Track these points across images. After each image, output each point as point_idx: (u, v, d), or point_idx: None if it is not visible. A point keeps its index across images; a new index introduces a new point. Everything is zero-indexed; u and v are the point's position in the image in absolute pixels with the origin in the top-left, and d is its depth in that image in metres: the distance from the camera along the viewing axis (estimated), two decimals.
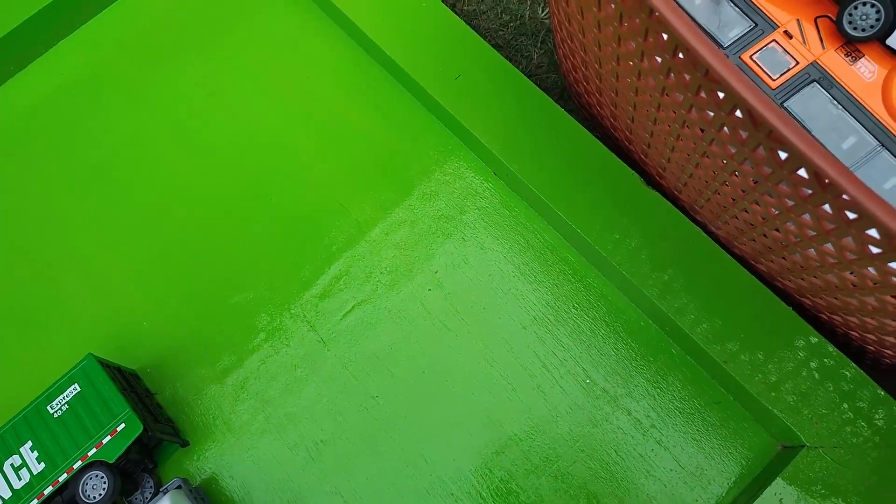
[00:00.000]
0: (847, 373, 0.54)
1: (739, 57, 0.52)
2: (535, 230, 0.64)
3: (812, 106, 0.50)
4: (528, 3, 0.76)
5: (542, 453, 0.57)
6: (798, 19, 0.52)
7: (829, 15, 0.51)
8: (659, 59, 0.43)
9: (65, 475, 0.53)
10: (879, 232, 0.36)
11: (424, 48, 0.67)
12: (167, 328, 0.64)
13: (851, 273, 0.44)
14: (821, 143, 0.48)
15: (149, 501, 0.55)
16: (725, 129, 0.42)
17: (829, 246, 0.43)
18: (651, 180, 0.62)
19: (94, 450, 0.53)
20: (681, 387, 0.58)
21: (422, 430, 0.59)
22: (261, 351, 0.62)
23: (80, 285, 0.66)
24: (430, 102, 0.68)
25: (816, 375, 0.54)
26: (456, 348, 0.61)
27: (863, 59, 0.50)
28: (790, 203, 0.42)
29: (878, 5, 0.48)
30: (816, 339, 0.55)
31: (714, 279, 0.57)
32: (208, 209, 0.68)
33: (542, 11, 0.75)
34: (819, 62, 0.50)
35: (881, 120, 0.48)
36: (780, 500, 0.51)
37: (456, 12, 0.73)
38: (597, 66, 0.55)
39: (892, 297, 0.42)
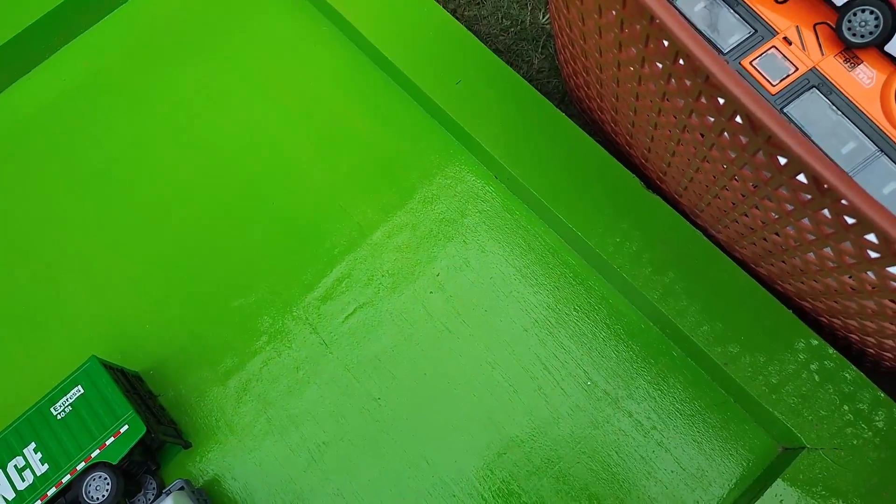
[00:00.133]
0: (847, 375, 0.54)
1: (739, 63, 0.53)
2: (536, 233, 0.64)
3: (811, 111, 0.51)
4: (529, 8, 0.76)
5: (544, 455, 0.57)
6: (797, 26, 0.52)
7: (828, 22, 0.52)
8: (659, 65, 0.44)
9: (68, 476, 0.53)
10: (878, 237, 0.36)
11: (425, 52, 0.68)
12: (169, 330, 0.64)
13: (850, 277, 0.44)
14: (820, 149, 0.49)
15: (152, 502, 0.55)
16: (725, 134, 0.43)
17: (828, 250, 0.43)
18: (652, 184, 0.62)
19: (97, 451, 0.53)
20: (682, 389, 0.58)
21: (423, 431, 0.59)
22: (263, 353, 0.63)
23: (81, 288, 0.66)
24: (431, 106, 0.68)
25: (817, 378, 0.54)
26: (457, 350, 0.61)
27: (861, 66, 0.50)
28: (789, 208, 0.43)
29: (878, 12, 0.49)
30: (817, 342, 0.55)
31: (715, 282, 0.58)
32: (209, 212, 0.68)
33: (543, 17, 0.76)
34: (818, 68, 0.51)
35: (880, 126, 0.48)
36: (781, 501, 0.51)
37: (457, 17, 0.73)
38: (597, 71, 0.55)
39: (890, 300, 0.43)
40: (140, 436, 0.53)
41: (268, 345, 0.63)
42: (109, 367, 0.57)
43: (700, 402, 0.58)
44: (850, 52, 0.51)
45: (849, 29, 0.50)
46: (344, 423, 0.60)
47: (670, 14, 0.37)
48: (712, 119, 0.43)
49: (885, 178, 0.47)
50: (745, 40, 0.53)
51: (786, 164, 0.39)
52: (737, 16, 0.54)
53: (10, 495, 0.52)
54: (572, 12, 0.52)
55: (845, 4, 0.50)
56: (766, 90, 0.51)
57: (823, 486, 0.52)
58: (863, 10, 0.49)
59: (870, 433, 0.52)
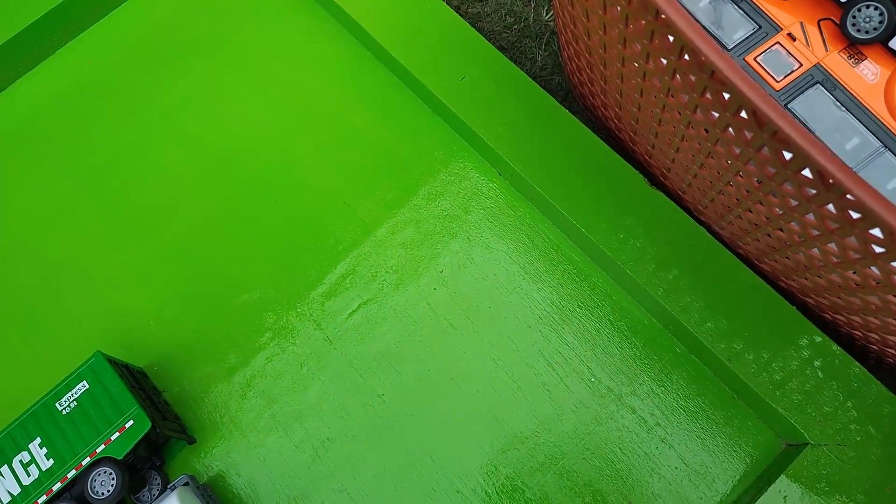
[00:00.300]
0: (851, 372, 0.54)
1: (744, 59, 0.53)
2: (539, 230, 0.64)
3: (816, 107, 0.51)
4: (533, 5, 0.76)
5: (548, 451, 0.58)
6: (801, 22, 0.52)
7: (833, 18, 0.52)
8: (664, 61, 0.44)
9: (73, 472, 0.53)
10: (883, 231, 0.37)
11: (429, 50, 0.68)
12: (174, 327, 0.64)
13: (854, 272, 0.44)
14: (823, 143, 0.49)
15: (156, 498, 0.55)
16: (730, 129, 0.43)
17: (832, 245, 0.43)
18: (655, 181, 0.62)
19: (102, 446, 0.54)
20: (685, 385, 0.59)
21: (427, 427, 0.59)
22: (267, 349, 0.63)
23: (86, 285, 0.66)
24: (435, 103, 0.68)
25: (820, 374, 0.54)
26: (461, 347, 0.61)
27: (866, 62, 0.50)
28: (794, 203, 0.43)
29: (882, 7, 0.49)
30: (820, 339, 0.55)
31: (718, 278, 0.58)
32: (213, 209, 0.68)
33: (547, 14, 0.76)
34: (822, 64, 0.51)
35: (884, 121, 0.48)
36: (785, 497, 0.51)
37: (460, 14, 0.73)
38: (602, 67, 0.56)
39: (894, 296, 0.43)
40: (145, 431, 0.54)
41: (272, 341, 0.63)
42: (114, 363, 0.57)
43: (704, 398, 0.58)
44: (855, 48, 0.51)
45: (853, 25, 0.50)
46: (348, 419, 0.60)
47: (676, 9, 0.37)
48: (717, 114, 0.43)
49: (889, 173, 0.47)
50: (749, 36, 0.53)
51: (791, 159, 0.39)
52: (741, 12, 0.54)
53: (16, 490, 0.53)
54: (577, 8, 0.52)
55: (849, 1, 0.50)
56: (771, 86, 0.51)
57: (827, 483, 0.52)
58: (867, 6, 0.49)
59: (873, 429, 0.52)
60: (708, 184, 0.52)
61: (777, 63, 0.52)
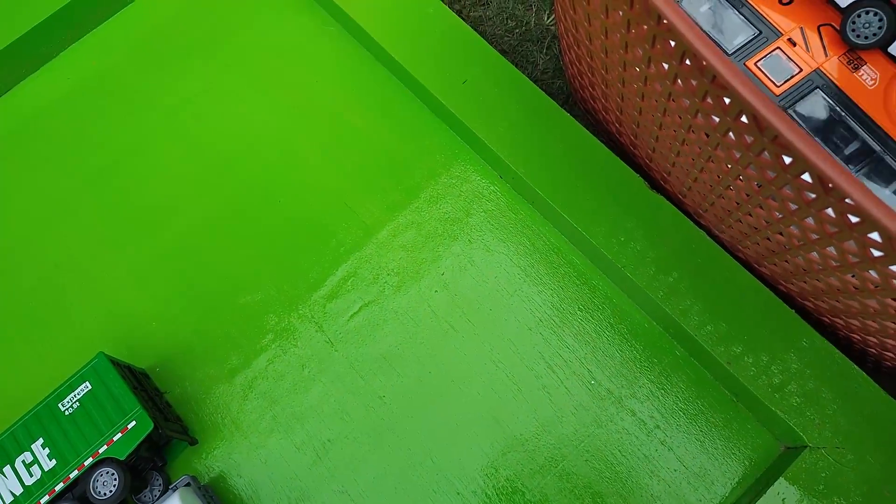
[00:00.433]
0: (849, 375, 0.54)
1: (744, 64, 0.53)
2: (540, 233, 0.65)
3: (815, 112, 0.51)
4: (534, 9, 0.77)
5: (548, 453, 0.58)
6: (801, 27, 0.53)
7: (832, 23, 0.52)
8: (666, 66, 0.44)
9: (76, 472, 0.53)
10: (881, 235, 0.37)
11: (432, 53, 0.68)
12: (176, 328, 0.64)
13: (853, 276, 0.44)
14: (825, 149, 0.49)
15: (158, 499, 0.55)
16: (731, 134, 0.43)
17: (831, 249, 0.44)
18: (656, 185, 0.62)
19: (104, 447, 0.54)
20: (685, 388, 0.59)
21: (428, 429, 0.59)
22: (269, 351, 0.63)
23: (89, 286, 0.67)
24: (436, 106, 0.69)
25: (819, 377, 0.54)
26: (462, 349, 0.62)
27: (865, 67, 0.51)
28: (793, 207, 0.43)
29: (881, 13, 0.49)
30: (819, 342, 0.55)
31: (718, 282, 0.58)
32: (216, 210, 0.69)
33: (548, 18, 0.76)
34: (822, 69, 0.51)
35: (883, 126, 0.49)
36: (783, 499, 0.52)
37: (462, 18, 0.74)
38: (603, 72, 0.56)
39: (893, 299, 0.43)
40: (147, 432, 0.54)
41: (274, 343, 0.63)
42: (117, 364, 0.57)
43: (703, 401, 0.59)
44: (854, 53, 0.51)
45: (853, 30, 0.50)
46: (349, 420, 0.60)
47: (678, 14, 0.38)
48: (718, 119, 0.43)
49: (887, 178, 0.47)
50: (749, 41, 0.54)
51: (791, 164, 0.39)
52: (742, 17, 0.54)
53: (19, 490, 0.53)
54: (579, 13, 0.52)
55: (849, 6, 0.50)
56: (771, 91, 0.52)
57: (825, 485, 0.52)
58: (867, 12, 0.50)
59: (871, 432, 0.53)
60: (708, 188, 0.53)
61: (777, 68, 0.52)
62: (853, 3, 0.50)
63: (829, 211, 0.40)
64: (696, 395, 0.59)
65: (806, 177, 0.39)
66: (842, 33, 0.51)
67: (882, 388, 0.54)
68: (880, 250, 0.39)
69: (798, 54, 0.52)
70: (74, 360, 0.59)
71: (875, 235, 0.38)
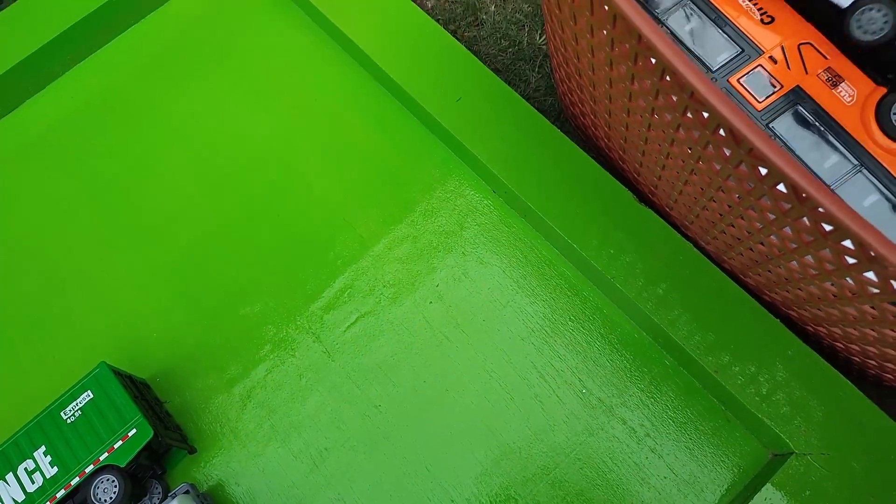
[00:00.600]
0: (834, 383, 0.55)
1: (727, 80, 0.55)
2: (532, 245, 0.66)
3: (795, 127, 0.53)
4: (526, 29, 0.79)
5: (540, 461, 0.59)
6: (782, 45, 0.55)
7: (812, 42, 0.54)
8: (648, 82, 0.46)
9: (77, 479, 0.54)
10: (853, 242, 0.38)
11: (427, 72, 0.70)
12: (176, 339, 0.66)
13: (831, 284, 0.46)
14: (804, 163, 0.51)
15: None
16: (710, 147, 0.45)
17: (809, 258, 0.45)
18: (644, 198, 0.64)
19: (105, 454, 0.55)
20: (674, 397, 0.60)
21: (423, 438, 0.60)
22: (267, 361, 0.64)
23: (92, 297, 0.68)
24: (432, 123, 0.71)
25: (805, 386, 0.56)
26: (456, 359, 0.63)
27: (843, 84, 0.52)
28: (772, 217, 0.45)
29: (886, 9, 0.50)
30: (805, 351, 0.56)
31: (705, 293, 0.59)
32: (216, 223, 0.70)
33: (540, 38, 0.79)
34: (802, 86, 0.53)
35: (860, 141, 0.51)
36: None
37: (457, 38, 0.76)
38: (591, 88, 0.58)
39: (870, 306, 0.44)
40: (148, 439, 0.55)
41: (272, 353, 0.65)
42: (118, 373, 0.59)
43: (692, 409, 0.60)
44: (832, 70, 0.53)
45: (859, 27, 0.51)
46: (345, 429, 0.61)
47: (656, 33, 0.40)
48: (698, 133, 0.45)
49: (865, 190, 0.49)
50: (732, 59, 0.56)
51: (766, 175, 0.41)
52: (725, 35, 0.57)
53: (21, 497, 0.54)
54: (567, 32, 0.54)
55: (852, 4, 0.52)
56: (753, 107, 0.54)
57: (812, 491, 0.53)
58: (870, 9, 0.51)
59: (856, 439, 0.54)
60: (693, 200, 0.54)
61: (759, 84, 0.54)
62: (855, 1, 0.51)
63: (805, 220, 0.41)
64: (685, 403, 0.60)
65: (781, 187, 0.41)
66: (847, 29, 0.51)
67: (866, 396, 0.55)
68: (854, 257, 0.40)
69: (779, 71, 0.54)
70: (77, 370, 0.61)
71: (848, 243, 0.39)
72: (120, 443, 0.55)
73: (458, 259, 0.67)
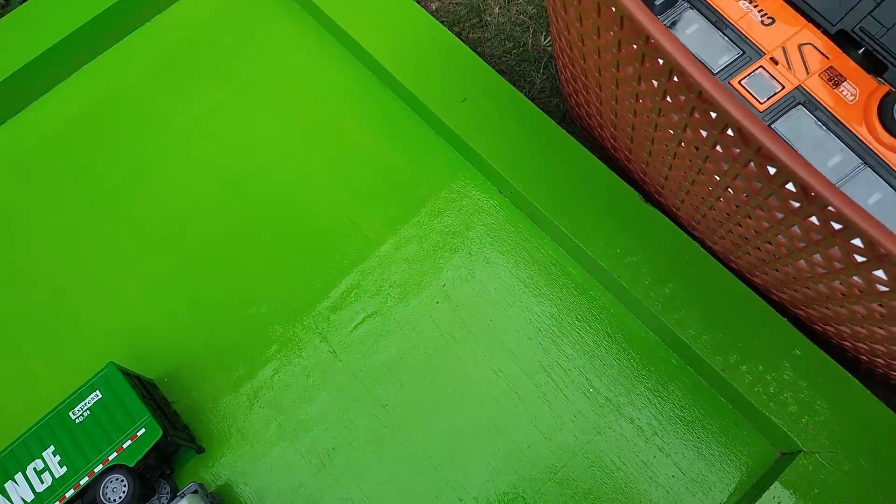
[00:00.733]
0: (842, 382, 0.56)
1: (729, 82, 0.55)
2: (538, 245, 0.67)
3: (798, 127, 0.53)
4: (531, 31, 0.79)
5: (548, 460, 0.59)
6: (784, 46, 0.55)
7: (813, 42, 0.55)
8: (655, 83, 0.46)
9: (86, 479, 0.54)
10: (863, 240, 0.39)
11: (432, 73, 0.71)
12: (183, 340, 0.66)
13: (840, 282, 0.46)
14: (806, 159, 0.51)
15: None
16: (718, 147, 0.45)
17: (817, 256, 0.45)
18: (650, 198, 0.64)
19: (114, 454, 0.55)
20: (682, 396, 0.60)
21: (431, 437, 0.61)
22: (274, 361, 0.65)
23: (99, 299, 0.68)
24: (437, 124, 0.71)
25: (813, 385, 0.56)
26: (463, 358, 0.63)
27: (845, 83, 0.53)
28: (780, 216, 0.45)
29: None
30: (812, 350, 0.57)
31: (712, 292, 0.60)
32: (223, 226, 0.71)
33: (544, 39, 0.79)
34: (804, 86, 0.54)
35: (863, 139, 0.51)
36: (779, 503, 0.53)
37: (462, 39, 0.76)
38: (597, 89, 0.58)
39: (878, 304, 0.45)
40: (156, 439, 0.55)
41: (279, 353, 0.65)
42: (126, 373, 0.59)
43: (700, 408, 0.60)
44: (834, 70, 0.53)
45: None
46: (353, 429, 0.61)
47: (664, 34, 0.40)
48: (705, 133, 0.45)
49: (870, 188, 0.50)
50: (734, 61, 0.56)
51: (775, 174, 0.41)
52: (726, 38, 0.57)
53: (30, 497, 0.54)
54: (573, 34, 0.55)
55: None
56: (755, 108, 0.54)
57: (820, 489, 0.53)
58: None
59: (864, 438, 0.54)
60: (700, 199, 0.55)
61: (761, 86, 0.55)
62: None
63: (813, 219, 0.42)
64: (692, 402, 0.60)
65: (790, 186, 0.41)
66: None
67: (874, 395, 0.55)
68: (863, 255, 0.40)
69: (780, 72, 0.55)
70: (84, 371, 0.61)
71: (857, 241, 0.40)
72: (129, 442, 0.55)
73: (464, 259, 0.67)
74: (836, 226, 0.40)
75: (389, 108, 0.74)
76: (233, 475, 0.61)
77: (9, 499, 0.54)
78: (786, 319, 0.58)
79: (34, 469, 0.55)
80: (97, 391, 0.57)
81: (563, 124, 0.72)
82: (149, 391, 0.60)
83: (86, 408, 0.57)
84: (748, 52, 0.55)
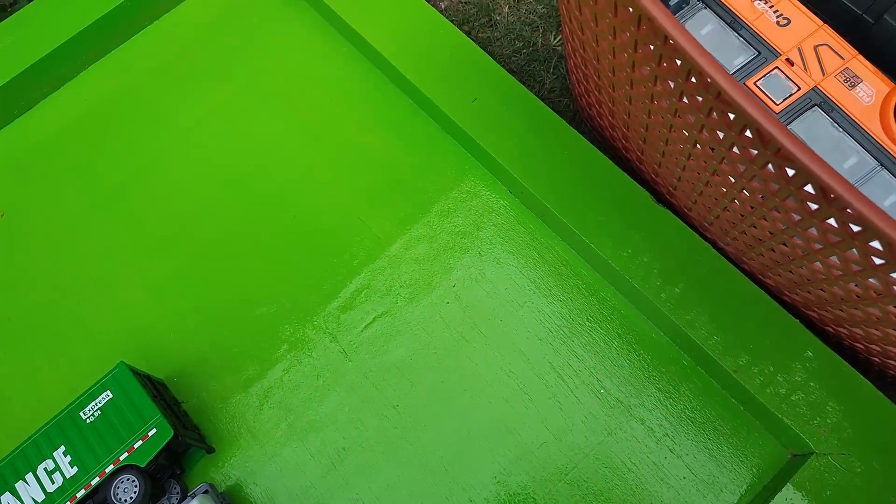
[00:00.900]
0: (854, 384, 0.56)
1: (744, 83, 0.55)
2: (549, 246, 0.67)
3: (814, 129, 0.53)
4: (541, 30, 0.79)
5: (559, 461, 0.59)
6: (799, 47, 0.55)
7: (829, 43, 0.55)
8: (672, 83, 0.46)
9: (97, 479, 0.54)
10: (882, 243, 0.39)
11: (442, 73, 0.71)
12: (193, 340, 0.66)
13: (856, 285, 0.46)
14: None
15: None
16: (735, 148, 0.45)
17: (834, 259, 0.45)
18: (662, 198, 0.64)
19: (125, 454, 0.55)
20: (693, 397, 0.60)
21: (441, 438, 0.60)
22: (284, 361, 0.64)
23: (106, 299, 0.68)
24: (447, 124, 0.71)
25: (824, 386, 0.56)
26: (474, 359, 0.63)
27: (861, 84, 0.53)
28: (797, 218, 0.45)
29: None
30: (824, 351, 0.57)
31: (724, 293, 0.59)
32: (231, 225, 0.70)
33: (554, 39, 0.79)
34: (820, 87, 0.54)
35: (880, 141, 0.51)
36: None
37: (471, 38, 0.76)
38: (610, 90, 0.58)
39: (894, 306, 0.45)
40: (168, 439, 0.55)
41: (289, 353, 0.65)
42: (137, 373, 0.59)
43: (711, 410, 0.60)
44: (850, 71, 0.53)
45: None
46: (363, 429, 0.61)
47: (683, 34, 0.40)
48: (722, 134, 0.45)
49: (886, 191, 0.49)
50: (749, 62, 0.56)
51: (794, 176, 0.41)
52: (741, 39, 0.57)
53: (41, 497, 0.54)
54: (587, 34, 0.54)
55: None
56: (770, 109, 0.54)
57: (832, 491, 0.53)
58: None
59: (877, 440, 0.54)
60: (713, 201, 0.54)
61: (776, 87, 0.55)
62: None
63: (832, 221, 0.42)
64: (703, 403, 0.60)
65: (808, 188, 0.41)
66: None
67: (886, 397, 0.55)
68: (881, 258, 0.40)
69: (796, 73, 0.55)
70: (93, 372, 0.60)
71: (876, 244, 0.40)
72: (140, 442, 0.55)
73: (474, 259, 0.67)
74: (856, 228, 0.40)
75: (398, 108, 0.74)
76: (243, 475, 0.60)
77: (19, 499, 0.54)
78: (798, 321, 0.58)
79: (45, 469, 0.55)
80: (108, 391, 0.57)
81: (573, 124, 0.72)
82: (159, 391, 0.60)
83: (97, 408, 0.57)
84: (763, 52, 0.55)
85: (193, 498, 0.55)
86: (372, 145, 0.73)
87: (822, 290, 0.51)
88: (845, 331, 0.55)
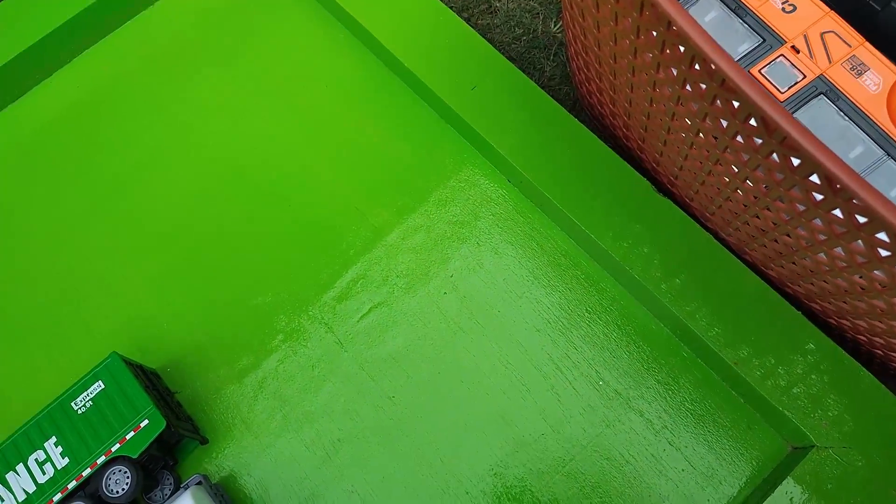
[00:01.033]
0: (856, 376, 0.55)
1: (749, 71, 0.54)
2: (548, 236, 0.66)
3: (819, 117, 0.52)
4: (541, 17, 0.78)
5: (556, 453, 0.58)
6: (805, 34, 0.54)
7: (835, 30, 0.54)
8: (675, 70, 0.45)
9: (88, 470, 0.54)
10: (888, 234, 0.38)
11: (441, 60, 0.69)
12: (187, 329, 0.65)
13: (860, 276, 0.45)
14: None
15: (169, 497, 0.56)
16: (739, 137, 0.44)
17: (838, 250, 0.44)
18: (663, 188, 0.63)
19: (117, 445, 0.54)
20: (692, 389, 0.59)
21: (437, 429, 0.60)
22: (279, 352, 0.64)
23: (102, 289, 0.67)
24: (446, 112, 0.70)
25: (826, 378, 0.55)
26: (471, 350, 0.62)
27: (868, 72, 0.52)
28: (801, 208, 0.44)
29: None
30: (826, 344, 0.56)
31: (725, 284, 0.59)
32: (228, 215, 0.69)
33: (555, 26, 0.78)
34: (826, 75, 0.52)
35: (886, 130, 0.50)
36: (791, 498, 0.52)
37: (471, 26, 0.75)
38: (611, 77, 0.57)
39: None
40: (160, 430, 0.54)
41: (284, 343, 0.64)
42: (129, 363, 0.58)
43: (710, 402, 0.59)
44: (857, 59, 0.52)
45: None
46: (358, 420, 0.61)
47: (687, 20, 0.39)
48: (726, 122, 0.44)
49: (893, 181, 0.48)
50: (754, 49, 0.55)
51: (799, 165, 0.40)
52: (746, 26, 0.56)
53: (31, 488, 0.53)
54: (587, 20, 0.53)
55: None
56: (775, 97, 0.53)
57: (833, 484, 0.52)
58: None
59: (878, 433, 0.53)
60: (715, 190, 0.53)
61: (781, 74, 0.54)
62: None
63: (837, 212, 0.41)
64: (703, 395, 0.59)
65: (814, 178, 0.40)
66: None
67: (888, 390, 0.55)
68: (888, 250, 0.40)
69: (802, 61, 0.53)
70: (87, 362, 0.60)
71: (883, 235, 0.39)
72: (132, 433, 0.54)
73: (472, 249, 0.66)
74: (862, 219, 0.39)
75: (397, 96, 0.73)
76: (237, 466, 0.60)
77: (10, 490, 0.53)
78: (800, 313, 0.57)
79: (36, 460, 0.54)
80: (100, 381, 0.56)
81: (573, 112, 0.71)
82: (152, 381, 0.59)
83: (88, 398, 0.56)
84: (768, 39, 0.53)
85: (186, 489, 0.54)
86: (369, 134, 0.71)
87: (825, 281, 0.50)
88: (848, 323, 0.54)
